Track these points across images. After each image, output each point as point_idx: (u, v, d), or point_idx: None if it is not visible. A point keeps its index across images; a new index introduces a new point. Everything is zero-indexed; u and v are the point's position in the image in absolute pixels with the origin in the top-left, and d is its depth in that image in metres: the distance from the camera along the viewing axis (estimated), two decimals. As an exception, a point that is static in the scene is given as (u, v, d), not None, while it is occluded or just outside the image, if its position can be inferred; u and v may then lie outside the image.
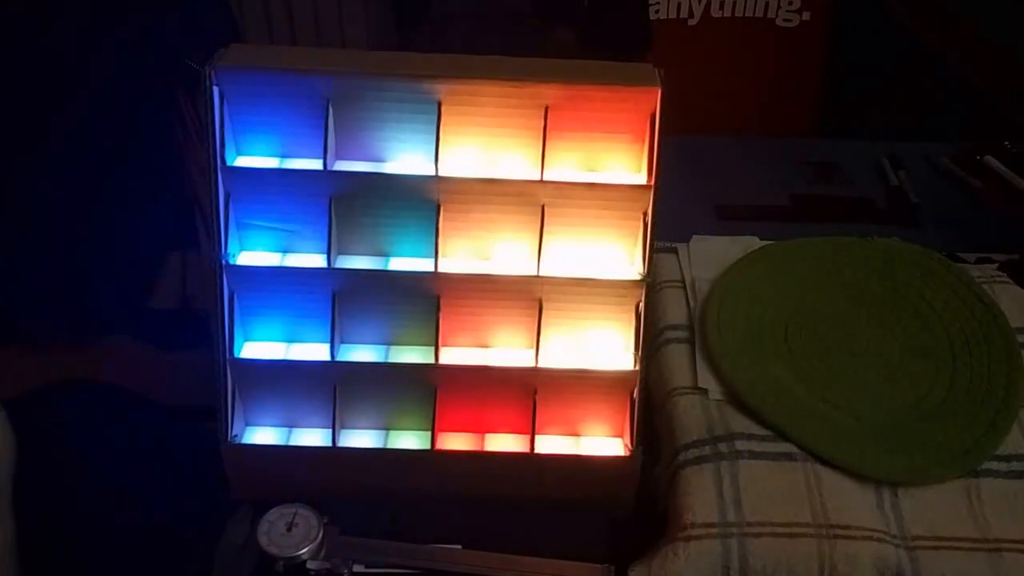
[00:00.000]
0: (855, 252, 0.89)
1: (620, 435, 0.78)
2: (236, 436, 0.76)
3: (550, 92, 0.71)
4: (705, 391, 0.77)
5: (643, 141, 0.73)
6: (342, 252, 0.76)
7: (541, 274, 0.74)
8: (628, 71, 0.72)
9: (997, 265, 0.91)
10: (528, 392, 0.75)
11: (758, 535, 0.67)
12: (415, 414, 0.77)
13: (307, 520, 0.71)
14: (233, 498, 0.76)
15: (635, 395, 0.75)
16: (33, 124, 0.89)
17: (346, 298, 0.74)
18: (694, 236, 0.92)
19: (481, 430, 0.78)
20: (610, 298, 0.75)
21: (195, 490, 0.78)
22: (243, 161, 0.73)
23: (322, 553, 0.70)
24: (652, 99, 0.70)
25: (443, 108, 0.71)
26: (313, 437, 0.77)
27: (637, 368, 0.75)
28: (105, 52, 0.90)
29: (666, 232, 0.86)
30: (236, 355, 0.74)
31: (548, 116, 0.71)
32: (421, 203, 0.73)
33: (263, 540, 0.69)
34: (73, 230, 0.91)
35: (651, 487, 0.76)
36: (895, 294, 0.85)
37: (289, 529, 0.70)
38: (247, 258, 0.75)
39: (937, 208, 1.08)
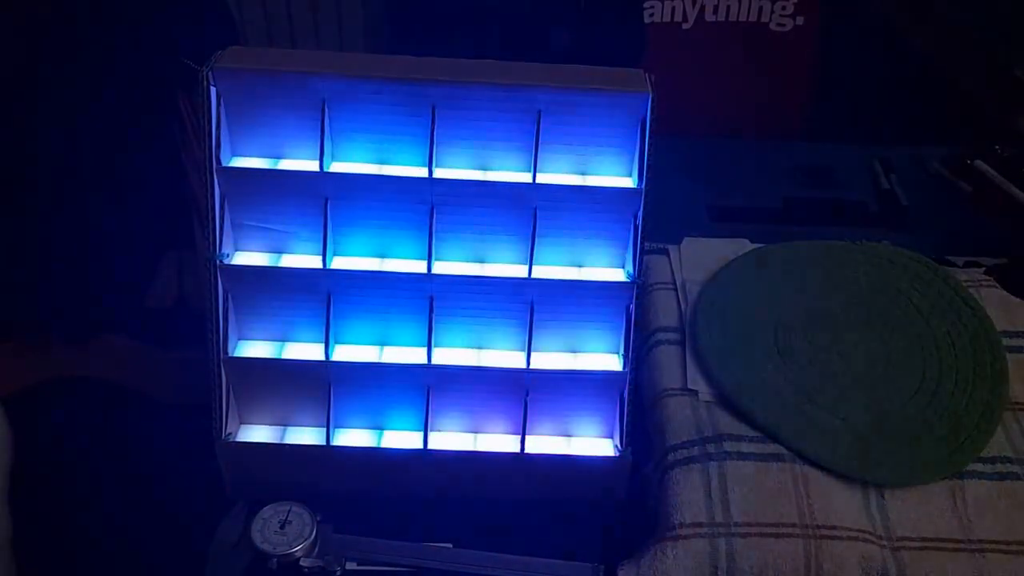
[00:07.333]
0: (845, 255, 0.90)
1: (610, 436, 0.78)
2: (230, 434, 0.76)
3: (543, 96, 0.71)
4: (695, 392, 0.78)
5: (634, 145, 0.74)
6: (337, 253, 0.76)
7: (533, 276, 0.75)
8: (619, 76, 0.73)
9: (984, 269, 0.91)
10: (520, 393, 0.76)
11: (745, 535, 0.68)
12: (408, 413, 0.77)
13: (300, 518, 0.71)
14: (227, 496, 0.77)
15: (625, 396, 0.76)
16: (28, 121, 0.89)
17: (340, 298, 0.75)
18: (686, 238, 0.93)
19: (473, 430, 0.79)
20: (601, 300, 0.76)
21: (189, 488, 0.79)
22: (239, 162, 0.74)
23: (315, 551, 0.71)
24: (643, 104, 0.71)
25: (437, 111, 0.71)
26: (307, 436, 0.78)
27: (627, 369, 0.75)
28: (104, 51, 0.90)
29: (658, 233, 0.87)
30: (231, 354, 0.75)
31: (541, 120, 0.72)
32: (415, 205, 0.74)
33: (257, 538, 0.70)
34: (70, 228, 0.92)
35: (641, 487, 0.76)
36: (884, 297, 0.85)
37: (283, 527, 0.71)
38: (242, 258, 0.76)
39: (927, 211, 1.09)
